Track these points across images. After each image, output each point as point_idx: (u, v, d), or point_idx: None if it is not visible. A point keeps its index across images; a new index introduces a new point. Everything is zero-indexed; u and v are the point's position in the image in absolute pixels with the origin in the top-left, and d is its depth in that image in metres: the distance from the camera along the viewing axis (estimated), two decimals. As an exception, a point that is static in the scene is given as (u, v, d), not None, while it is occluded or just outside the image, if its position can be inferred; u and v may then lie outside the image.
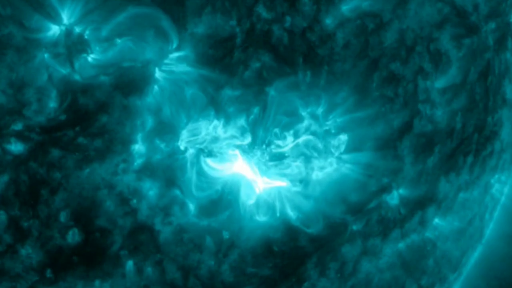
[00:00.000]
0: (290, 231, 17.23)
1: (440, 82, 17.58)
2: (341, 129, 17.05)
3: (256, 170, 17.04)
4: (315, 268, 17.53)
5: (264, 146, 16.90)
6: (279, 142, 16.93)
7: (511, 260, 18.77)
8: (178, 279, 16.92)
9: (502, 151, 18.46)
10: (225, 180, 17.03)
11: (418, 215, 17.83)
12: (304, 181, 17.11)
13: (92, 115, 16.18)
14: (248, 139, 16.84)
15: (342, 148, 17.09)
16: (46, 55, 15.93)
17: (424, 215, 17.86)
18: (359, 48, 17.10)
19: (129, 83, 16.26)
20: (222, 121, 16.71)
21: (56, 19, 15.81)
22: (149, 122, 16.48)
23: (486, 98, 18.04)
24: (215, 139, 16.78)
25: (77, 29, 15.97)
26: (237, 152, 16.95)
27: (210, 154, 16.86)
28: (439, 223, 18.16)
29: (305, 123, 16.94)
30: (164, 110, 16.52)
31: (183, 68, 16.51)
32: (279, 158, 17.00)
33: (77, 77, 16.07)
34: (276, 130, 16.87)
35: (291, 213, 17.17)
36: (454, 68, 17.62)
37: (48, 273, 16.27)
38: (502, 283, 18.60)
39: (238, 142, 16.86)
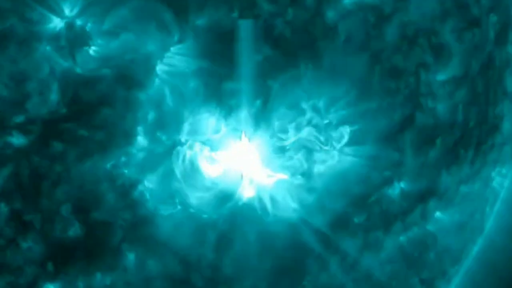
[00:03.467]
0: (292, 224, 17.22)
1: (441, 75, 17.62)
2: (343, 122, 17.04)
3: (258, 163, 17.03)
4: (317, 261, 17.54)
5: (266, 139, 16.90)
6: (281, 135, 16.93)
7: (511, 253, 18.80)
8: (180, 273, 16.92)
9: (503, 144, 18.50)
10: (227, 173, 17.02)
11: (420, 208, 17.85)
12: (306, 174, 17.11)
13: (94, 108, 16.17)
14: (250, 132, 16.83)
15: (344, 141, 17.09)
16: (47, 48, 15.92)
17: (425, 208, 17.89)
18: (360, 41, 17.12)
19: (130, 75, 16.24)
20: (223, 114, 16.70)
21: (58, 12, 15.79)
22: (151, 114, 16.46)
23: (487, 91, 18.08)
24: (217, 132, 16.77)
25: (79, 22, 15.95)
26: (238, 144, 16.93)
27: (211, 147, 16.85)
28: (440, 216, 18.19)
29: (307, 116, 16.92)
30: (166, 102, 16.51)
31: (184, 60, 16.50)
32: (281, 151, 17.00)
33: (78, 70, 16.05)
34: (278, 123, 16.87)
35: (293, 206, 17.17)
36: (456, 61, 17.65)
37: (49, 266, 16.26)
38: (502, 276, 18.64)
39: (239, 135, 16.84)
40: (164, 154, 16.62)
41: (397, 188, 17.67)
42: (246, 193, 17.11)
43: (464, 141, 17.98)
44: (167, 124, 16.54)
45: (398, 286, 18.29)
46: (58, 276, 16.38)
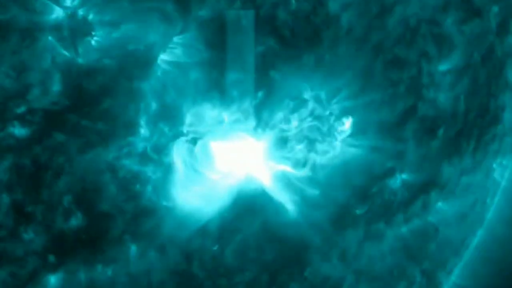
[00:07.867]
0: (293, 216, 17.23)
1: (443, 66, 17.65)
2: (345, 113, 17.06)
3: (260, 154, 17.03)
4: (318, 253, 17.56)
5: (268, 130, 16.90)
6: (283, 126, 16.94)
7: (511, 244, 18.87)
8: (181, 264, 16.92)
9: (505, 135, 18.54)
10: (228, 164, 17.02)
11: (421, 199, 17.88)
12: (308, 165, 17.13)
13: (96, 99, 16.12)
14: (252, 123, 16.84)
15: (346, 132, 17.12)
16: (49, 38, 15.87)
17: (427, 199, 17.92)
18: (363, 31, 17.13)
19: (133, 66, 16.21)
20: (226, 105, 16.70)
21: (60, 2, 15.74)
22: (153, 105, 16.43)
23: (489, 81, 18.12)
24: (219, 123, 16.76)
25: (81, 12, 15.90)
26: (241, 136, 16.93)
27: (213, 138, 16.84)
28: (441, 208, 18.21)
29: (309, 106, 16.94)
30: (168, 93, 16.48)
31: (187, 51, 16.48)
32: (283, 142, 17.01)
33: (80, 60, 16.00)
34: (280, 113, 16.88)
35: (294, 197, 17.18)
36: (458, 52, 17.69)
37: (51, 257, 16.22)
38: (502, 267, 18.71)
39: (242, 126, 16.84)
40: (166, 145, 16.60)
41: (399, 179, 17.70)
42: (248, 184, 17.11)
43: (466, 132, 18.02)
44: (170, 115, 16.52)
45: (398, 277, 18.32)
46: (60, 267, 16.33)
